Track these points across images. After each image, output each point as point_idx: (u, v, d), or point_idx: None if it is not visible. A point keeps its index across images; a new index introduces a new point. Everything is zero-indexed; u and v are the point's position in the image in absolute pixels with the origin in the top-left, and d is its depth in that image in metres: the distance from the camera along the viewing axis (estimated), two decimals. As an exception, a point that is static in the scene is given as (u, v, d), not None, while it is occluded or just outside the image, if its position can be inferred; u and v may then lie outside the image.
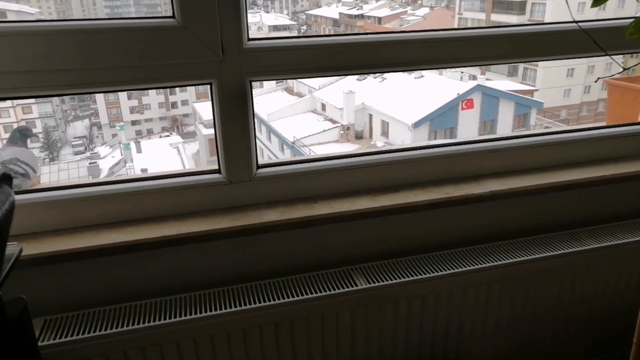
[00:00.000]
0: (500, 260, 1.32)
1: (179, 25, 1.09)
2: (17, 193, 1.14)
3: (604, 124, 1.66)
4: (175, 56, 1.11)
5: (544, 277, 1.38)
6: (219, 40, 1.11)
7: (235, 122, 1.19)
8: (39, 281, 1.14)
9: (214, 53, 1.12)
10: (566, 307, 1.44)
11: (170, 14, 1.11)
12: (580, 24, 1.28)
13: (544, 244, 1.39)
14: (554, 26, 1.37)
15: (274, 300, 1.18)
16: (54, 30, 1.03)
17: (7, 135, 1.42)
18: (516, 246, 1.39)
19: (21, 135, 1.39)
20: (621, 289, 1.47)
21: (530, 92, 12.16)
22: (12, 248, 0.83)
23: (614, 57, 1.23)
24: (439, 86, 11.06)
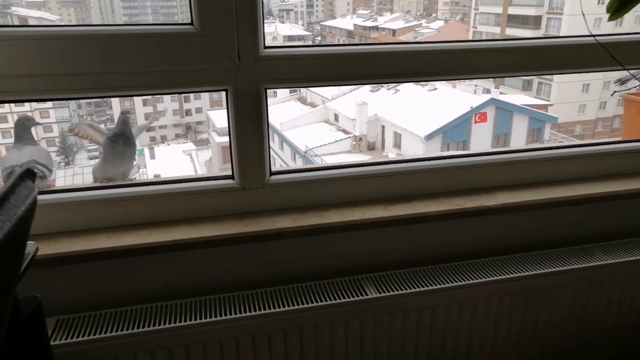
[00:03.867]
0: (512, 274, 1.31)
1: (197, 32, 1.11)
2: (34, 194, 1.16)
3: (619, 139, 1.64)
4: (192, 62, 1.12)
5: (556, 292, 1.36)
6: (235, 47, 1.13)
7: (250, 129, 1.20)
8: (53, 281, 1.16)
9: (230, 60, 1.13)
10: (578, 322, 1.43)
11: (188, 21, 1.13)
12: (597, 37, 1.28)
13: (557, 259, 1.38)
14: (571, 39, 1.36)
15: (284, 307, 1.18)
16: (74, 35, 1.06)
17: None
18: (528, 260, 1.38)
19: (26, 128, 1.36)
20: (636, 305, 1.45)
21: (545, 107, 12.07)
22: (28, 247, 0.84)
23: (631, 71, 1.22)
24: (452, 99, 11.02)
